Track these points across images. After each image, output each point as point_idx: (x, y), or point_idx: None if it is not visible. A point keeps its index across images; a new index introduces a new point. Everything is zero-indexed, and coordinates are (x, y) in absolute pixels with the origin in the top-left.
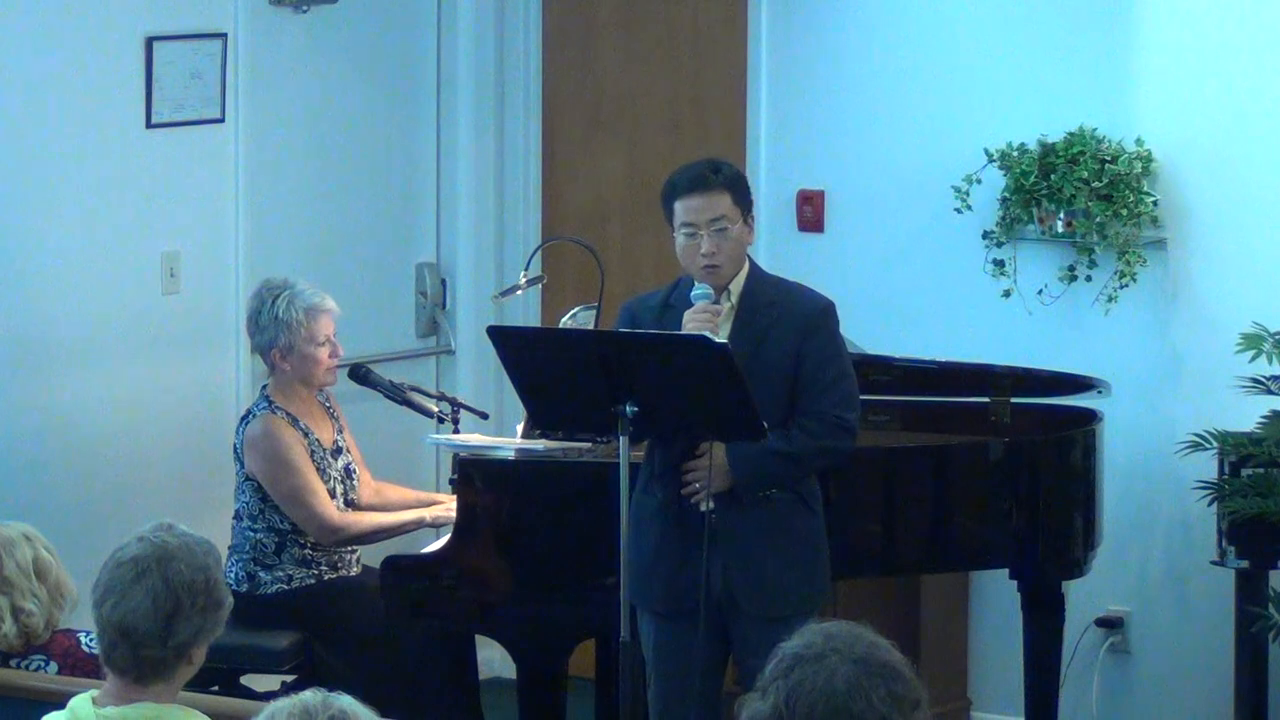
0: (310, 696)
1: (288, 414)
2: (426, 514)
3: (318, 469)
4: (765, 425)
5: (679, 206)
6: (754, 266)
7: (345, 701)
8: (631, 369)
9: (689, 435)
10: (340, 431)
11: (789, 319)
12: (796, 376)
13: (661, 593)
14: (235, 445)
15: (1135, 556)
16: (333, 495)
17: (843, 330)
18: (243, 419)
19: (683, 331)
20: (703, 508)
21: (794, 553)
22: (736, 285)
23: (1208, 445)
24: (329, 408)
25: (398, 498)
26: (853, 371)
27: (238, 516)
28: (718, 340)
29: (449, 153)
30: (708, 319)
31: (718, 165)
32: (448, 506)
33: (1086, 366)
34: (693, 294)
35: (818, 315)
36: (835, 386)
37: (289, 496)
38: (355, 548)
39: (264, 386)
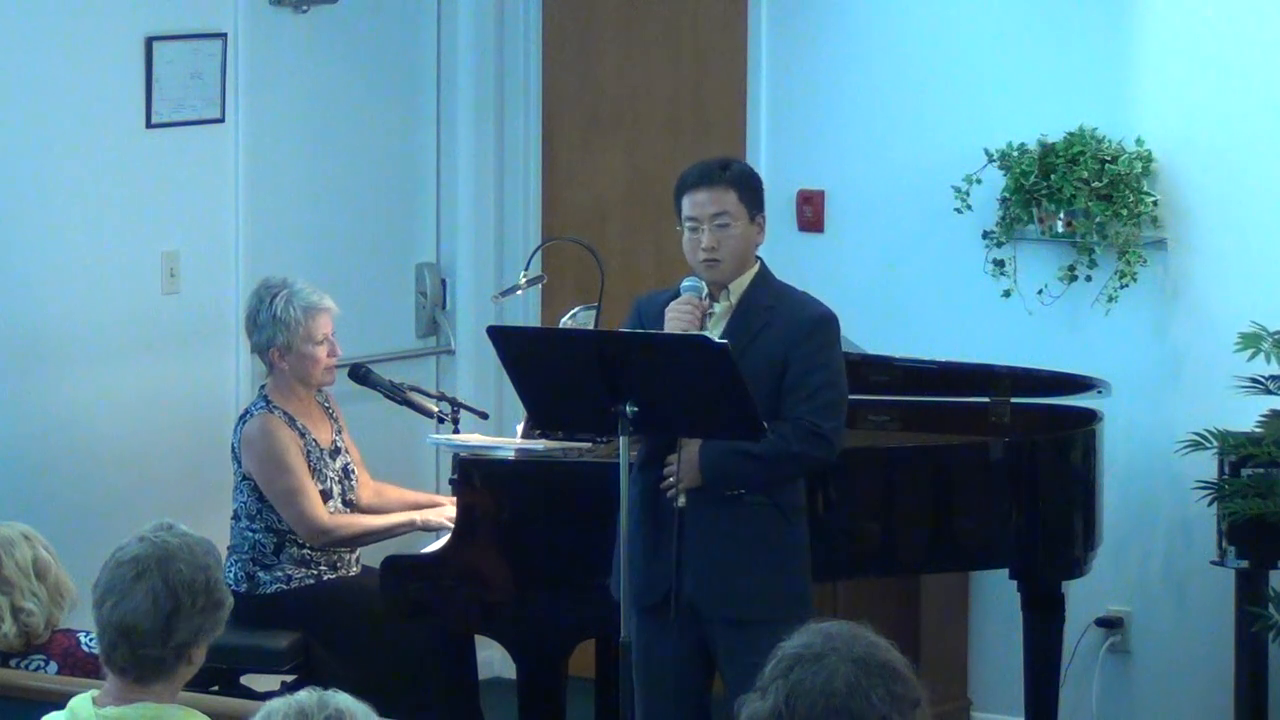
0: (305, 697)
1: (285, 413)
2: (417, 516)
3: (314, 469)
4: (765, 425)
5: (685, 201)
6: (763, 270)
7: (341, 700)
8: (631, 369)
9: (687, 435)
10: (339, 433)
11: (782, 324)
12: (782, 382)
13: (637, 585)
14: (233, 445)
15: (1135, 556)
16: (329, 496)
17: (843, 331)
18: (240, 418)
19: (665, 324)
20: (678, 503)
21: (760, 558)
22: (739, 286)
23: (1208, 445)
24: (328, 408)
25: (396, 498)
26: (842, 383)
27: (236, 516)
28: (717, 340)
29: (449, 153)
30: (689, 311)
31: (727, 163)
32: (439, 509)
33: (1086, 366)
34: (683, 285)
35: (811, 324)
36: (817, 395)
37: (281, 496)
38: (355, 548)
39: (262, 387)
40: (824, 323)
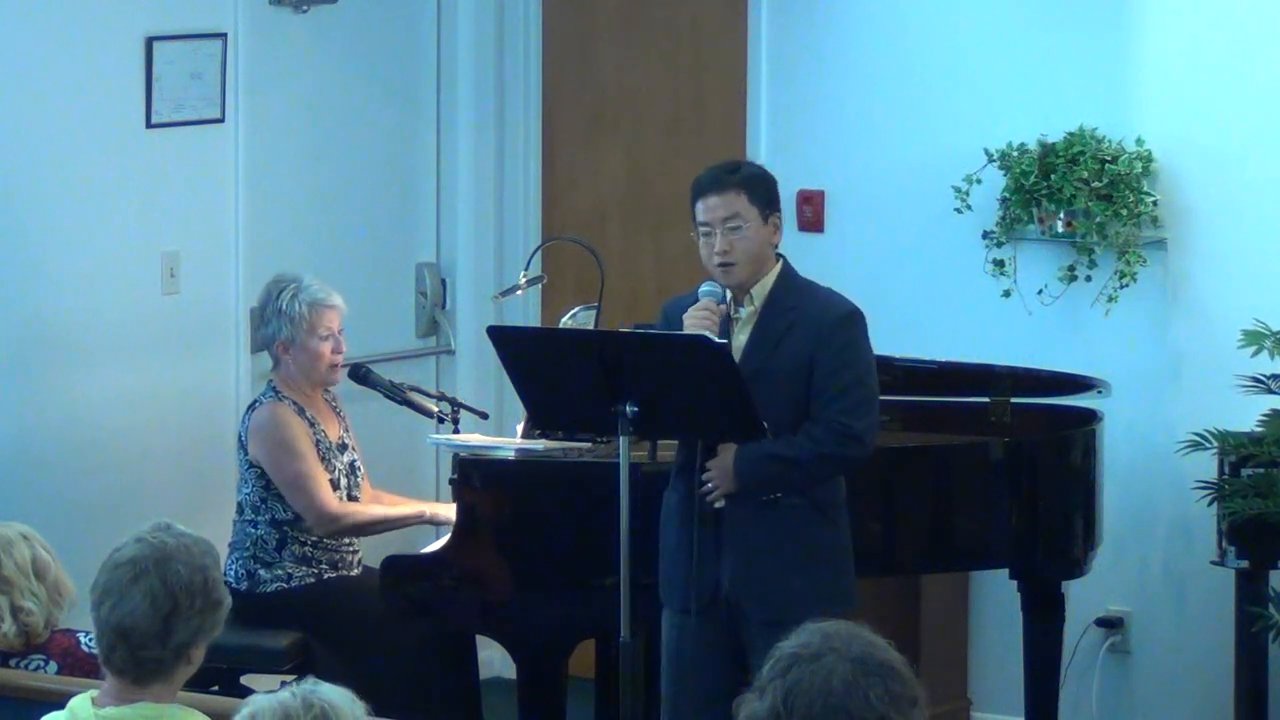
0: (289, 698)
1: (294, 403)
2: (427, 509)
3: (323, 460)
4: (765, 425)
5: (699, 206)
6: (785, 270)
7: (325, 695)
8: (631, 369)
9: (688, 435)
10: (346, 430)
11: (806, 325)
12: (810, 383)
13: (678, 589)
14: (239, 434)
15: (1135, 556)
16: (336, 487)
17: None
18: (249, 408)
19: (684, 328)
20: (716, 505)
21: (800, 559)
22: (762, 288)
23: (1208, 445)
24: (335, 407)
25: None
26: (870, 380)
27: (239, 509)
28: (717, 340)
29: (449, 153)
30: (706, 316)
31: (737, 165)
32: (448, 504)
33: (1086, 366)
34: (700, 290)
35: (834, 323)
36: (845, 394)
37: (290, 482)
38: (357, 548)
39: (270, 380)
40: (848, 320)
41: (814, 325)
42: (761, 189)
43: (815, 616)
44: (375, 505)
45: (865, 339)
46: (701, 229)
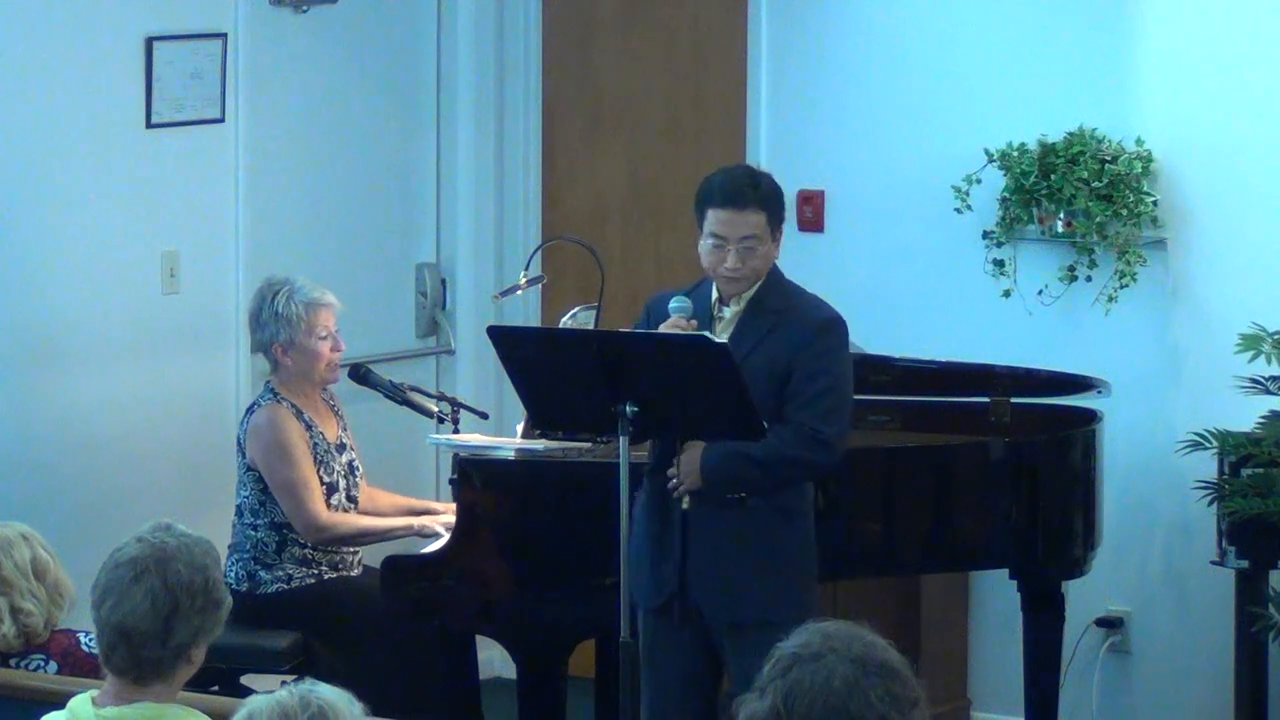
0: (287, 697)
1: (293, 406)
2: (415, 522)
3: (321, 463)
4: (765, 426)
5: (711, 215)
6: (773, 273)
7: (323, 694)
8: (631, 369)
9: (688, 435)
10: (344, 429)
11: (786, 329)
12: (785, 386)
13: (645, 586)
14: (238, 437)
15: (1135, 556)
16: (334, 490)
17: None
18: (248, 410)
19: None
20: (682, 505)
21: (761, 561)
22: (749, 290)
23: (1207, 445)
24: (333, 406)
25: (389, 504)
26: (846, 389)
27: (239, 512)
28: (717, 340)
29: (449, 153)
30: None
31: (757, 180)
32: (437, 516)
33: (1086, 366)
34: (670, 305)
35: (814, 329)
36: (818, 400)
37: (282, 488)
38: (357, 549)
39: (268, 382)
40: (829, 327)
41: (794, 331)
42: (777, 206)
43: (779, 621)
44: (365, 516)
45: (845, 347)
46: (712, 239)
